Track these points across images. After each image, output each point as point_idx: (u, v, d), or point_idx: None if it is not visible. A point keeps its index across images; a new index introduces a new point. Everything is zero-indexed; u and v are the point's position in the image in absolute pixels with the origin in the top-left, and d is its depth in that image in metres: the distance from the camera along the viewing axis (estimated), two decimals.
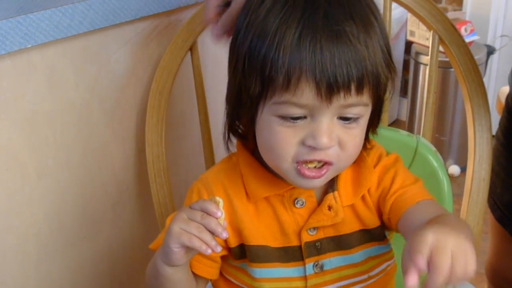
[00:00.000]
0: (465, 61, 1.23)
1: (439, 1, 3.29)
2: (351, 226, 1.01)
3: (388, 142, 1.08)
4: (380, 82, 0.89)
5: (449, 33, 1.22)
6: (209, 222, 0.88)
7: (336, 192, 0.99)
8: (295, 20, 0.86)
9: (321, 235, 1.00)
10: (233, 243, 1.00)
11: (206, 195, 1.01)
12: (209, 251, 0.88)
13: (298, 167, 0.91)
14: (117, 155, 1.27)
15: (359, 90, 0.87)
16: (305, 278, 1.00)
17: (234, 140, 1.02)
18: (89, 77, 1.18)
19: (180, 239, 0.88)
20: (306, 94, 0.86)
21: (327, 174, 0.93)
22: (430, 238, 0.76)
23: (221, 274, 1.05)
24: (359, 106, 0.89)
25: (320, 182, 0.94)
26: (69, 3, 1.08)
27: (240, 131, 1.00)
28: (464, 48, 1.23)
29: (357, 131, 0.92)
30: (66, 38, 1.10)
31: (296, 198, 1.00)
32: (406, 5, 1.22)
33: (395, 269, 1.08)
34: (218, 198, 0.91)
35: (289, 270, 1.00)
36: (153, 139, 1.24)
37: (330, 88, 0.85)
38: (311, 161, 0.91)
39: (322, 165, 0.92)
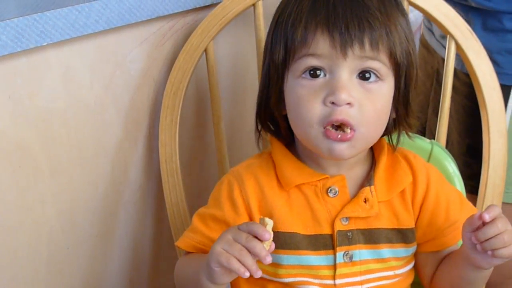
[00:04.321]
0: (481, 66, 1.22)
1: None
2: (383, 222, 1.03)
3: (401, 145, 1.07)
4: (397, 50, 0.94)
5: (466, 37, 1.22)
6: (254, 246, 0.88)
7: (373, 187, 1.02)
8: None
9: (352, 226, 1.02)
10: None
11: (237, 187, 1.03)
12: (247, 274, 0.88)
13: (325, 131, 0.94)
14: (130, 155, 1.26)
15: (373, 45, 0.93)
16: (334, 267, 1.01)
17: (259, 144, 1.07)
18: (104, 76, 1.18)
19: (219, 260, 0.89)
20: (322, 44, 0.93)
21: (353, 142, 0.95)
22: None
23: None
24: (377, 61, 0.94)
25: (349, 151, 0.96)
26: (86, 1, 1.08)
27: (270, 122, 1.05)
28: (481, 54, 1.22)
29: (379, 96, 0.95)
30: (82, 36, 1.10)
31: (329, 187, 1.02)
32: (422, 9, 1.21)
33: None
34: (267, 220, 0.90)
35: (318, 258, 1.01)
36: (166, 139, 1.24)
37: (343, 38, 0.92)
38: (335, 124, 0.94)
39: (349, 131, 0.94)
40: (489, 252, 0.93)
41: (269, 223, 0.90)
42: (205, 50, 1.24)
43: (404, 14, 0.98)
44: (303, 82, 0.96)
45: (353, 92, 0.94)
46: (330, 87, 0.94)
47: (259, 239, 0.88)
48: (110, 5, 1.11)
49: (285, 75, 0.99)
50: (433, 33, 1.50)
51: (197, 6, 1.25)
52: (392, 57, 0.95)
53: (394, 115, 1.01)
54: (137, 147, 1.27)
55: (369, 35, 0.93)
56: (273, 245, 0.90)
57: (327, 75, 0.95)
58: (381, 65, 0.95)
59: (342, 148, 0.96)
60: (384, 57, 0.94)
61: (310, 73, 0.95)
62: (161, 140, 1.25)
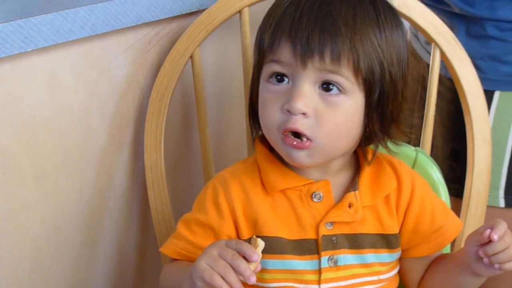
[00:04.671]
0: (465, 74, 1.23)
1: None
2: (367, 227, 1.03)
3: (386, 152, 1.07)
4: (362, 66, 0.94)
5: (450, 45, 1.22)
6: (238, 265, 0.88)
7: (357, 192, 1.02)
8: (293, 1, 0.97)
9: (337, 231, 1.02)
10: (246, 235, 1.02)
11: (222, 192, 1.03)
12: None
13: (283, 136, 0.96)
14: (115, 161, 1.26)
15: (334, 58, 0.93)
16: (319, 271, 1.01)
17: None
18: (89, 82, 1.18)
19: (203, 276, 0.89)
20: (285, 52, 0.95)
21: (310, 152, 0.96)
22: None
23: None
24: (338, 75, 0.94)
25: (308, 159, 0.97)
26: (71, 7, 1.08)
27: (258, 124, 1.05)
28: (465, 61, 1.22)
29: (339, 109, 0.95)
30: (67, 42, 1.09)
31: (314, 192, 1.02)
32: (407, 17, 1.22)
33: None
34: (260, 241, 0.90)
35: (302, 263, 1.01)
36: (151, 146, 1.24)
37: (303, 50, 0.93)
38: (290, 131, 0.95)
39: (305, 140, 0.95)
40: (496, 266, 0.94)
41: (261, 244, 0.90)
42: (191, 57, 1.23)
43: (382, 27, 0.97)
44: (269, 86, 0.98)
45: (310, 102, 0.94)
46: (289, 95, 0.95)
47: (246, 258, 0.88)
48: (95, 11, 1.11)
49: (259, 77, 1.01)
50: (418, 39, 1.51)
51: (183, 12, 1.25)
52: (358, 72, 0.94)
53: (367, 129, 1.01)
54: (122, 153, 1.27)
55: (330, 48, 0.92)
56: (260, 266, 0.90)
57: (290, 83, 0.96)
58: (343, 79, 0.94)
59: (300, 156, 0.97)
60: (347, 71, 0.94)
61: (276, 78, 0.97)
62: (146, 146, 1.24)
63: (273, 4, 1.01)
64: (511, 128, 1.40)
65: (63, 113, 1.15)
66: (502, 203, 1.44)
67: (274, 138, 0.99)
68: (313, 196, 1.02)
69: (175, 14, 1.24)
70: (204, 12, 1.23)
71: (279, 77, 0.97)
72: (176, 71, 1.23)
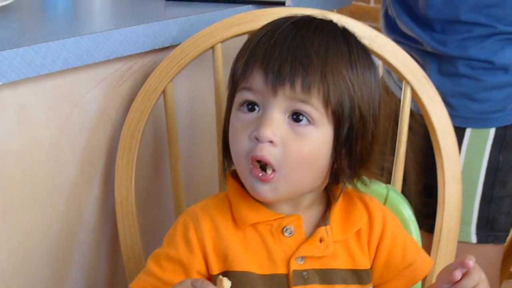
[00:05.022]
0: (436, 112, 1.24)
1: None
2: (339, 263, 1.03)
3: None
4: (332, 97, 0.95)
5: (421, 84, 1.23)
6: None
7: (328, 226, 1.02)
8: (268, 27, 1.00)
9: (308, 266, 1.01)
10: (216, 270, 1.01)
11: (192, 227, 1.02)
12: None
13: (251, 166, 0.97)
14: (85, 195, 1.25)
15: (305, 87, 0.94)
16: None
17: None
18: (60, 117, 1.17)
19: None
20: (257, 80, 0.96)
21: (275, 185, 0.97)
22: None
23: None
24: (308, 105, 0.95)
25: (271, 193, 0.98)
26: (43, 41, 1.08)
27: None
28: (436, 99, 1.24)
29: (307, 140, 0.96)
30: (38, 76, 1.09)
31: (285, 227, 1.02)
32: (379, 55, 1.23)
33: None
34: (226, 281, 0.90)
35: None
36: (122, 181, 1.23)
37: (274, 77, 0.94)
38: (256, 160, 0.96)
39: (270, 172, 0.96)
40: None
41: (227, 285, 0.90)
42: (163, 92, 1.24)
43: (354, 64, 0.98)
44: (239, 114, 0.99)
45: (279, 131, 0.95)
46: (258, 123, 0.96)
47: None
48: (67, 45, 1.11)
49: (232, 107, 1.02)
50: (391, 76, 1.53)
51: (156, 47, 1.25)
52: (328, 104, 0.96)
53: (335, 165, 1.01)
54: (93, 187, 1.26)
55: (301, 77, 0.94)
56: None
57: (260, 111, 0.97)
58: (313, 109, 0.95)
59: (264, 190, 0.97)
60: (316, 102, 0.95)
61: (248, 107, 0.98)
62: (117, 181, 1.24)
63: (249, 37, 1.02)
64: (482, 165, 1.42)
65: (33, 147, 1.14)
66: (474, 239, 1.46)
67: (242, 168, 0.99)
68: (284, 230, 1.02)
69: (148, 49, 1.24)
70: (177, 48, 1.23)
71: (250, 106, 0.98)
72: (148, 106, 1.23)
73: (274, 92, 0.95)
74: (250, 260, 1.01)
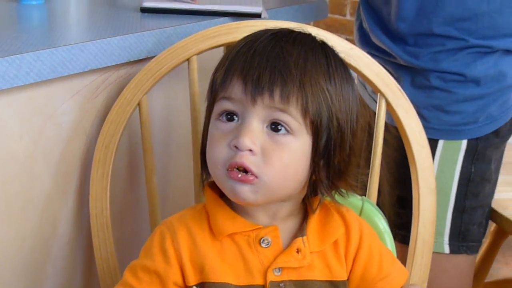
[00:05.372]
0: (410, 124, 1.24)
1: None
2: (316, 274, 1.03)
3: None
4: (311, 107, 0.96)
5: (396, 96, 1.24)
6: None
7: (305, 237, 1.02)
8: (248, 38, 1.01)
9: (285, 277, 1.01)
10: (193, 281, 1.01)
11: (169, 237, 1.02)
12: None
13: (228, 172, 0.97)
14: (59, 208, 1.24)
15: (283, 97, 0.95)
16: None
17: None
18: (34, 129, 1.16)
19: None
20: (236, 89, 0.97)
21: (254, 188, 0.97)
22: None
23: None
24: (287, 114, 0.96)
25: (251, 194, 0.97)
26: (17, 53, 1.07)
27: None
28: (410, 112, 1.24)
29: (286, 149, 0.97)
30: (12, 88, 1.08)
31: (262, 238, 1.02)
32: (354, 67, 1.24)
33: None
34: None
35: None
36: (97, 194, 1.23)
37: (253, 86, 0.95)
38: (236, 166, 0.96)
39: (250, 175, 0.96)
40: None
41: None
42: (139, 104, 1.23)
43: (332, 76, 0.99)
44: (218, 124, 1.00)
45: (258, 140, 0.96)
46: (237, 132, 0.96)
47: None
48: (42, 57, 1.10)
49: (211, 117, 1.02)
50: (366, 88, 1.54)
51: (131, 59, 1.24)
52: (306, 114, 0.97)
53: (313, 177, 1.02)
54: (67, 200, 1.25)
55: (280, 87, 0.95)
56: None
57: (239, 121, 0.98)
58: (291, 119, 0.96)
59: (244, 190, 0.97)
60: (295, 111, 0.96)
61: (227, 117, 0.99)
62: (91, 194, 1.23)
63: (228, 49, 1.04)
64: (454, 176, 1.44)
65: (6, 159, 1.13)
66: (447, 249, 1.47)
67: (218, 174, 0.99)
68: (261, 241, 1.02)
69: (123, 61, 1.23)
70: (153, 60, 1.23)
71: (229, 116, 0.99)
72: (123, 118, 1.22)
73: (253, 101, 0.96)
74: (227, 271, 1.01)
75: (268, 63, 0.96)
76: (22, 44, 1.13)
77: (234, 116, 0.98)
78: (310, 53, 0.99)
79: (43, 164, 1.19)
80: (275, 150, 0.96)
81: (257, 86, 0.95)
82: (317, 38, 1.03)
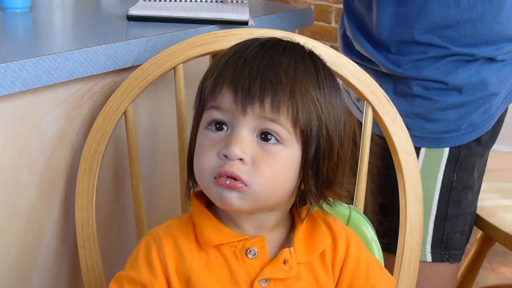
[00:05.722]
0: (397, 132, 1.25)
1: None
2: (303, 285, 1.02)
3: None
4: (301, 117, 0.96)
5: (382, 104, 1.24)
6: None
7: (292, 248, 1.02)
8: (236, 47, 1.01)
9: None
10: None
11: (155, 248, 1.02)
12: None
13: (216, 179, 0.96)
14: (44, 218, 1.23)
15: (274, 106, 0.95)
16: None
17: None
18: (19, 138, 1.15)
19: None
20: (226, 98, 0.97)
21: (242, 195, 0.96)
22: None
23: None
24: (277, 124, 0.96)
25: (239, 201, 0.97)
26: (1, 62, 1.06)
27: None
28: (397, 120, 1.24)
29: (276, 158, 0.97)
30: None
31: (248, 248, 1.01)
32: (340, 75, 1.24)
33: None
34: None
35: None
36: (83, 203, 1.22)
37: (244, 96, 0.95)
38: (225, 175, 0.95)
39: (239, 183, 0.96)
40: None
41: None
42: (125, 113, 1.22)
43: (321, 85, 0.99)
44: (207, 133, 0.99)
45: (248, 149, 0.96)
46: (226, 141, 0.96)
47: None
48: (27, 66, 1.09)
49: (199, 126, 1.02)
50: (349, 95, 1.54)
51: (117, 68, 1.24)
52: (296, 123, 0.97)
53: (302, 186, 1.02)
54: (53, 210, 1.24)
55: (270, 96, 0.95)
56: None
57: (229, 130, 0.98)
58: (281, 129, 0.96)
59: (232, 197, 0.97)
60: (285, 121, 0.96)
61: (216, 126, 0.98)
62: (77, 203, 1.22)
63: (217, 57, 1.02)
64: (436, 184, 1.44)
65: None
66: (429, 258, 1.47)
67: (205, 182, 0.98)
68: (248, 252, 1.02)
69: (109, 70, 1.23)
70: (139, 68, 1.22)
71: (218, 125, 0.98)
72: (109, 127, 1.22)
73: (243, 111, 0.95)
74: (213, 282, 1.00)
75: (259, 72, 0.96)
76: (6, 52, 1.12)
77: (223, 126, 0.98)
78: (300, 62, 0.99)
79: (28, 174, 1.18)
80: (265, 159, 0.96)
81: (247, 96, 0.95)
82: (305, 47, 1.03)
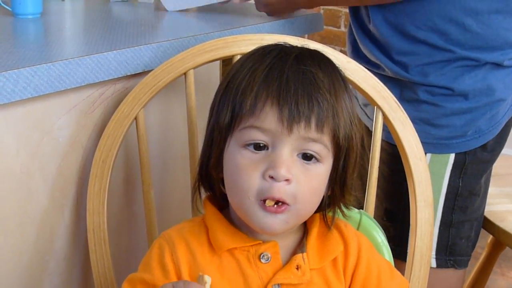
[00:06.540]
0: (407, 137, 1.25)
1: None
2: None
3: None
4: (340, 133, 0.97)
5: (393, 109, 1.24)
6: None
7: (305, 254, 1.02)
8: (268, 59, 0.97)
9: None
10: None
11: (168, 250, 1.02)
12: None
13: (262, 204, 0.95)
14: (56, 223, 1.24)
15: (319, 126, 0.94)
16: None
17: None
18: (31, 144, 1.16)
19: None
20: (269, 118, 0.94)
21: (286, 217, 0.96)
22: None
23: None
24: (319, 143, 0.95)
25: (281, 225, 0.97)
26: (14, 68, 1.07)
27: (208, 182, 1.05)
28: (407, 125, 1.25)
29: (315, 176, 0.97)
30: (9, 103, 1.08)
31: (261, 253, 1.01)
32: (350, 80, 1.24)
33: None
34: (206, 277, 0.90)
35: None
36: (94, 208, 1.22)
37: (291, 115, 0.93)
38: (271, 199, 0.95)
39: (281, 205, 0.96)
40: None
41: (208, 281, 0.90)
42: (136, 118, 1.23)
43: (350, 95, 1.00)
44: (245, 152, 0.97)
45: (292, 169, 0.95)
46: (271, 161, 0.95)
47: None
48: (39, 72, 1.10)
49: (227, 139, 0.99)
50: (357, 100, 1.54)
51: (128, 73, 1.24)
52: (335, 139, 0.97)
53: (329, 193, 1.03)
54: (64, 215, 1.25)
55: (316, 115, 0.94)
56: None
57: (270, 149, 0.96)
58: (323, 148, 0.96)
59: (276, 222, 0.97)
60: (327, 139, 0.96)
61: (254, 146, 0.96)
62: (89, 208, 1.22)
63: (241, 67, 0.99)
64: (442, 190, 1.44)
65: (3, 174, 1.13)
66: (433, 263, 1.47)
67: (249, 204, 0.97)
68: (261, 257, 1.02)
69: (120, 75, 1.23)
70: (150, 74, 1.23)
71: (257, 146, 0.96)
72: (120, 133, 1.22)
73: (289, 131, 0.94)
74: (226, 286, 1.00)
75: (304, 90, 0.94)
76: (19, 59, 1.13)
77: (262, 145, 0.96)
78: (334, 76, 0.99)
79: (40, 179, 1.19)
80: (307, 177, 0.96)
81: (295, 114, 0.93)
82: (329, 58, 1.03)
